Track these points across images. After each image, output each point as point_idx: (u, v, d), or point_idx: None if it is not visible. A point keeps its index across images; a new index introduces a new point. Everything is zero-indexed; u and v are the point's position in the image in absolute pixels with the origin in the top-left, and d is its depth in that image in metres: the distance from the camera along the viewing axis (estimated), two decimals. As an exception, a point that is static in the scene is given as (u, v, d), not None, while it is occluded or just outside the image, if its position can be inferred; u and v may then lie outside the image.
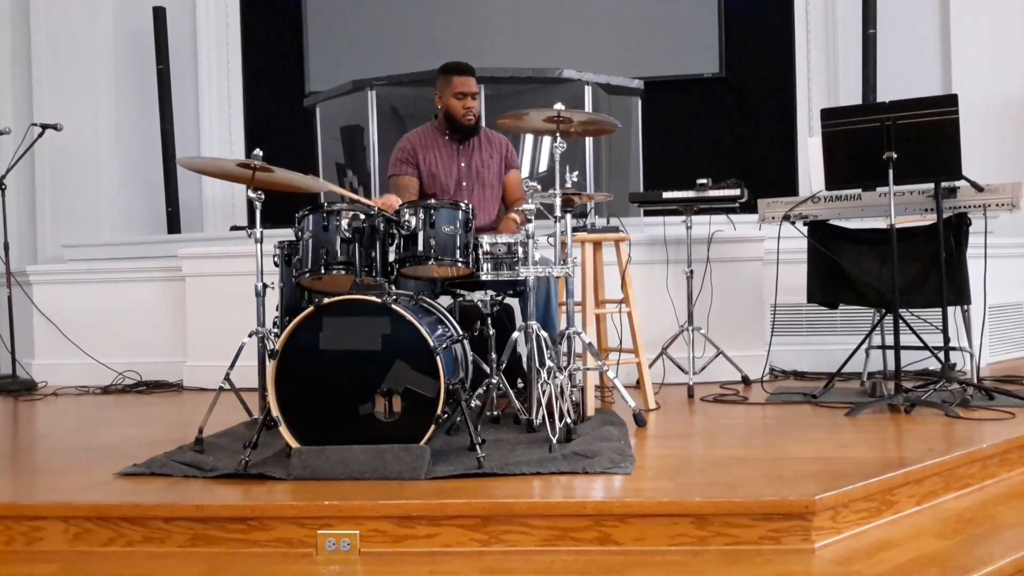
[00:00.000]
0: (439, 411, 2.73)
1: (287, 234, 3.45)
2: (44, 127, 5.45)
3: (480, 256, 3.20)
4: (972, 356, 4.09)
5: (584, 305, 3.87)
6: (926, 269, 3.92)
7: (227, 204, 7.08)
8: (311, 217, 3.04)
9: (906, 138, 3.63)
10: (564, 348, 3.39)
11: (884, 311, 4.10)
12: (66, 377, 5.25)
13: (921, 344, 3.95)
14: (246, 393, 3.41)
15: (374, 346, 2.77)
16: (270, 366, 2.79)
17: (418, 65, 5.75)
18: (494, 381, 3.43)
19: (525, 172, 5.65)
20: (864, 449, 3.00)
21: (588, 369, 3.64)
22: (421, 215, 3.07)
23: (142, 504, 2.51)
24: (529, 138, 5.70)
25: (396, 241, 3.09)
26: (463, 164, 3.98)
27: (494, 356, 3.43)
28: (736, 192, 4.44)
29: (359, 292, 2.86)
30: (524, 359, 3.61)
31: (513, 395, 3.51)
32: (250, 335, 3.32)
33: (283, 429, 2.77)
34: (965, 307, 4.07)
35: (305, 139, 6.63)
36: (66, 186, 6.47)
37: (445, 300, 3.63)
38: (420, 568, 2.32)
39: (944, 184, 3.83)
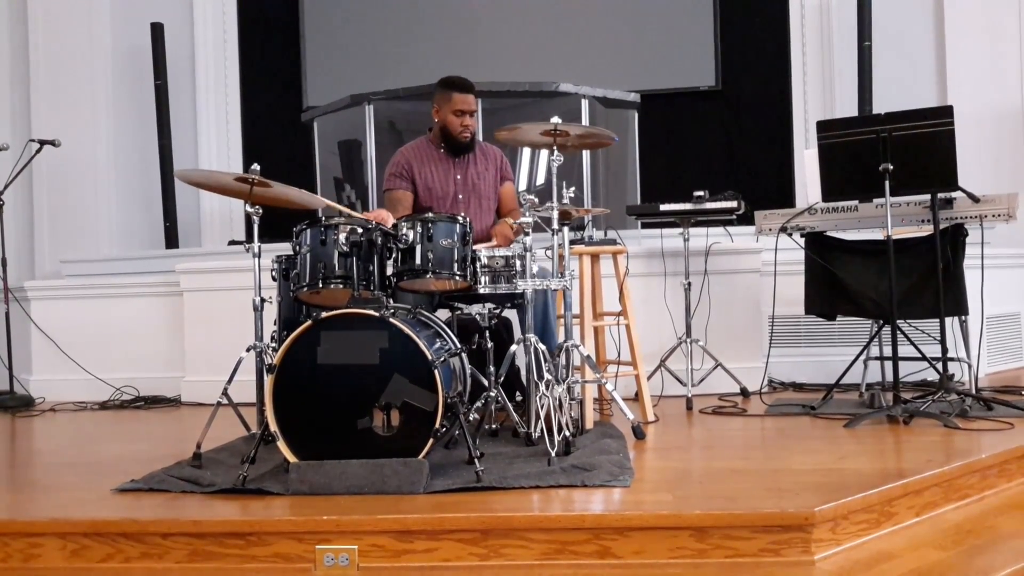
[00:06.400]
0: (437, 425, 2.73)
1: (285, 248, 3.45)
2: (42, 143, 5.47)
3: (478, 269, 3.21)
4: (970, 367, 4.09)
5: (582, 318, 3.86)
6: (923, 280, 3.92)
7: (225, 219, 7.08)
8: (309, 231, 3.04)
9: (902, 149, 3.64)
10: (562, 361, 3.39)
11: (882, 322, 4.10)
12: (64, 393, 5.24)
13: (919, 355, 3.96)
14: (244, 408, 3.40)
15: (372, 360, 2.76)
16: (268, 381, 2.78)
17: (416, 80, 5.77)
18: (492, 394, 3.42)
19: (522, 185, 5.66)
20: (863, 460, 3.00)
21: (587, 382, 3.64)
22: (419, 228, 3.07)
23: (140, 520, 2.50)
24: (526, 152, 5.71)
25: (394, 255, 3.10)
26: (459, 177, 3.99)
27: (492, 369, 3.43)
28: (733, 204, 4.45)
29: (357, 306, 2.85)
30: (523, 372, 3.61)
31: (511, 408, 3.51)
32: (248, 350, 3.31)
33: (281, 444, 2.77)
34: (963, 318, 4.07)
35: (303, 154, 6.64)
36: (64, 202, 6.48)
37: (443, 313, 3.63)
38: (419, 583, 2.32)
39: (940, 195, 3.84)
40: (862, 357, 4.22)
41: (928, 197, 3.84)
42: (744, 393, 4.53)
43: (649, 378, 4.22)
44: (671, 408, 4.22)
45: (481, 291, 3.25)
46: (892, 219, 3.72)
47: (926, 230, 3.99)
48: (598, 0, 7.20)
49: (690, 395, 4.30)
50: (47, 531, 2.50)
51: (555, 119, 3.29)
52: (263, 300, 3.36)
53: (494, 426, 3.56)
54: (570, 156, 5.11)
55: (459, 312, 3.63)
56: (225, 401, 3.25)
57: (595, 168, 6.06)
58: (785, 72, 6.83)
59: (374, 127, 5.98)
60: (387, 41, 7.27)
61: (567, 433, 3.13)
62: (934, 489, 2.73)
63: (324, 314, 2.80)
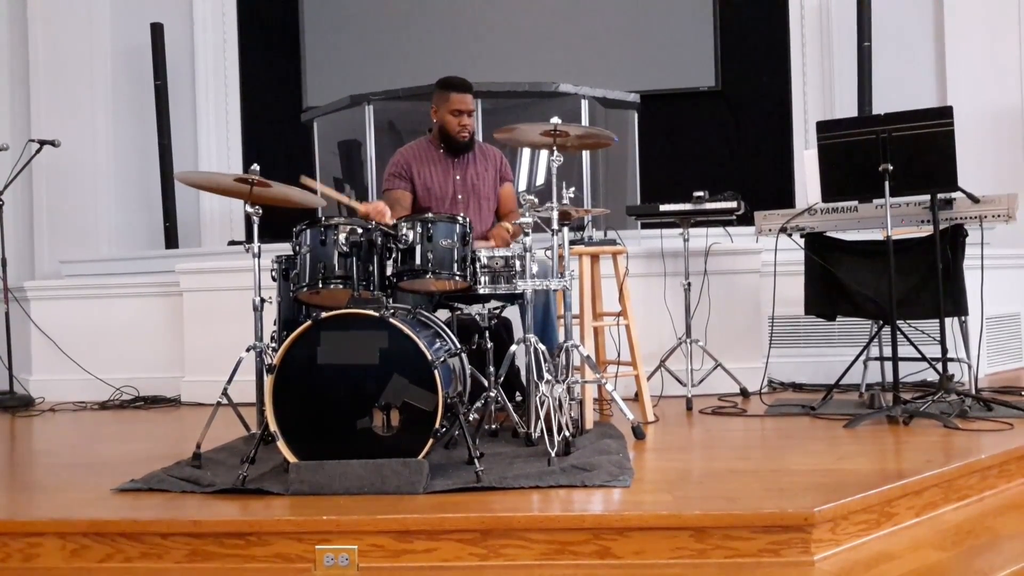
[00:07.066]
0: (437, 425, 2.73)
1: (285, 248, 3.45)
2: (42, 143, 5.47)
3: (478, 269, 3.21)
4: (970, 367, 4.09)
5: (582, 318, 3.86)
6: (923, 280, 3.93)
7: (225, 219, 7.08)
8: (309, 231, 3.04)
9: (902, 150, 3.64)
10: (562, 361, 3.39)
11: (882, 322, 4.10)
12: (63, 393, 5.24)
13: (919, 355, 3.96)
14: (244, 408, 3.40)
15: (372, 360, 2.76)
16: (268, 381, 2.79)
17: (415, 80, 5.77)
18: (492, 394, 3.42)
19: (522, 186, 5.67)
20: (863, 461, 3.00)
21: (586, 382, 3.64)
22: (419, 229, 3.07)
23: (140, 520, 2.50)
24: (526, 152, 5.71)
25: (394, 255, 3.10)
26: (458, 177, 3.99)
27: (492, 369, 3.43)
28: (733, 204, 4.45)
29: (357, 306, 2.85)
30: (522, 372, 3.61)
31: (511, 408, 3.51)
32: (248, 350, 3.31)
33: (281, 444, 2.77)
34: (962, 318, 4.07)
35: (303, 154, 6.64)
36: (64, 202, 6.48)
37: (443, 313, 3.63)
38: (419, 583, 2.32)
39: (940, 196, 3.84)
40: (862, 357, 4.22)
41: (928, 197, 3.84)
42: (744, 393, 4.53)
43: (649, 378, 4.22)
44: (671, 408, 4.23)
45: (481, 291, 3.25)
46: (892, 219, 3.72)
47: (926, 230, 3.99)
48: (598, 0, 7.20)
49: (690, 395, 4.30)
50: (47, 531, 2.50)
51: (555, 119, 3.29)
52: (263, 300, 3.36)
53: (494, 426, 3.56)
54: (570, 156, 5.10)
55: (459, 312, 3.63)
56: (225, 401, 3.26)
57: (595, 168, 6.05)
58: (785, 72, 6.83)
59: (374, 127, 5.98)
60: (387, 41, 7.27)
61: (567, 433, 3.13)
62: (934, 489, 2.73)
63: (324, 314, 2.80)
